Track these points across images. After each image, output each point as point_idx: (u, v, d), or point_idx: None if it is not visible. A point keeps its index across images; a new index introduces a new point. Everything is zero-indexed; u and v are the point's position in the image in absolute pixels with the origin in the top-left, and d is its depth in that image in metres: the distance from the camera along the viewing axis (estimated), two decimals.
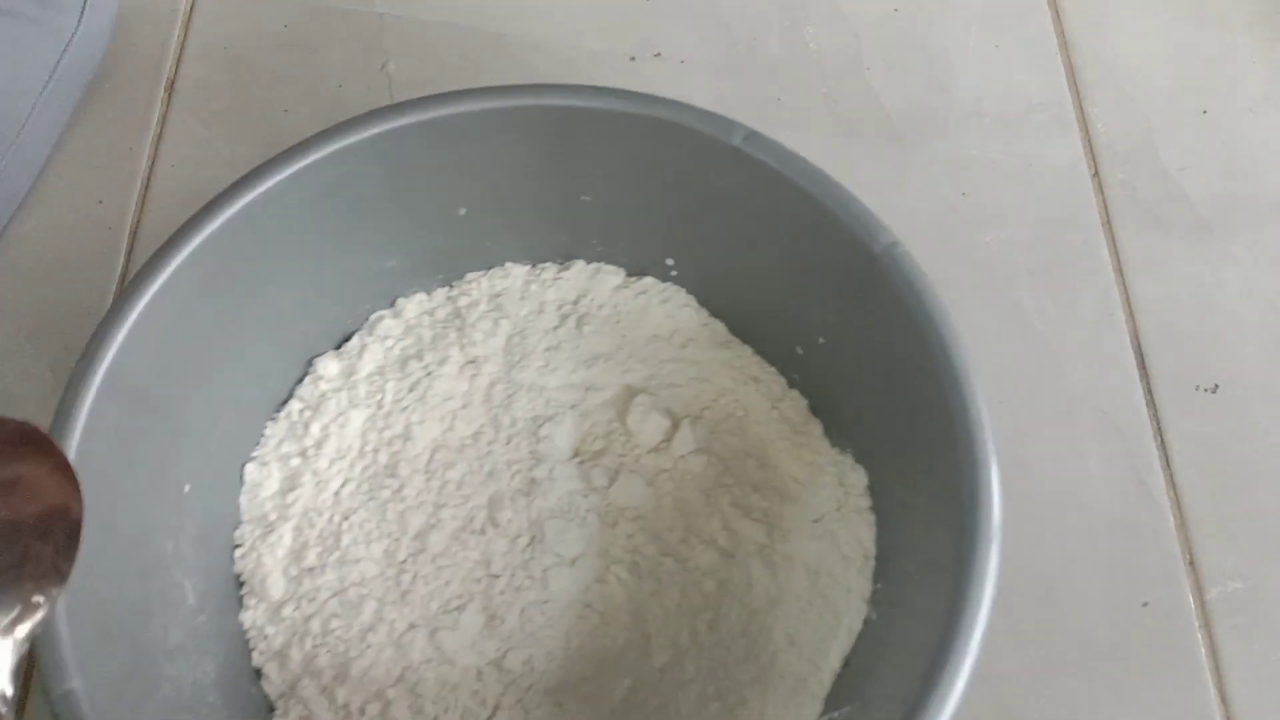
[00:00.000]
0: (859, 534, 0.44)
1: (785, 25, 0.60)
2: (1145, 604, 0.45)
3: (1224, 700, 0.44)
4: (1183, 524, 0.47)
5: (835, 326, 0.44)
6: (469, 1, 0.61)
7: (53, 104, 0.54)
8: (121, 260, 0.54)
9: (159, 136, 0.58)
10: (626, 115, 0.43)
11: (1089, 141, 0.56)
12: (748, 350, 0.49)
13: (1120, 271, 0.53)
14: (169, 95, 0.59)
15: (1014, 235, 0.54)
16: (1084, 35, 0.60)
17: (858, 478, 0.45)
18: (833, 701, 0.42)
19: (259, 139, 0.57)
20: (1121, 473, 0.48)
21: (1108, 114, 0.58)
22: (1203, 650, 0.44)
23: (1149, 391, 0.50)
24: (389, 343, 0.49)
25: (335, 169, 0.42)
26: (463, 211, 0.47)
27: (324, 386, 0.48)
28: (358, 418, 0.47)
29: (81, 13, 0.54)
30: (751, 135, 0.42)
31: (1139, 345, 0.51)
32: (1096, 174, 0.55)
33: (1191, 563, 0.46)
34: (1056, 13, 0.61)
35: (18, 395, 0.51)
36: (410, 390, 0.48)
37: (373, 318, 0.49)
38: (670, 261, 0.49)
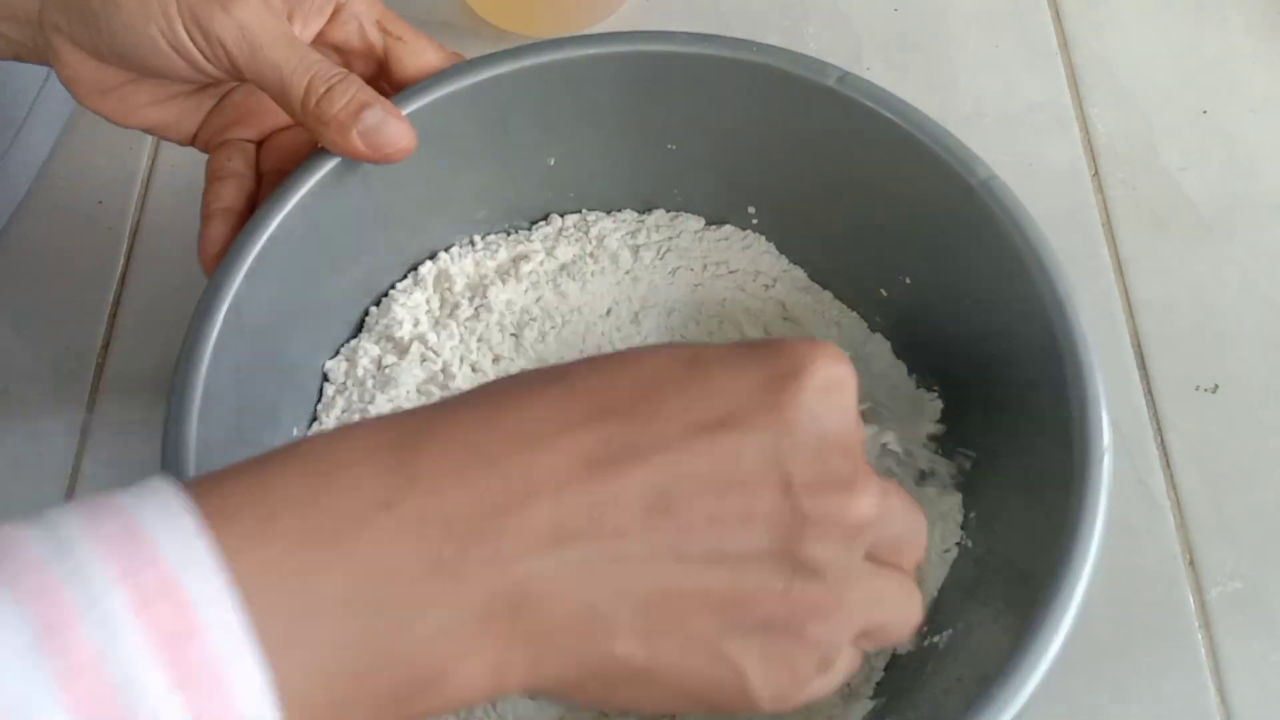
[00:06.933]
0: (949, 467, 0.45)
1: (785, 25, 0.60)
2: (1145, 605, 0.45)
3: (1224, 700, 0.43)
4: (1183, 524, 0.47)
5: (925, 264, 0.45)
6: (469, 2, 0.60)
7: (50, 103, 0.53)
8: (121, 260, 0.53)
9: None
10: (720, 60, 0.44)
11: (1089, 141, 0.56)
12: (828, 295, 0.50)
13: (1120, 271, 0.52)
14: None
15: None
16: (1084, 35, 0.59)
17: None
18: (933, 627, 0.43)
19: None
20: (1121, 472, 0.46)
21: (1108, 114, 0.57)
22: (1203, 650, 0.44)
23: (1149, 391, 0.50)
24: None
25: (435, 118, 0.43)
26: (551, 162, 0.48)
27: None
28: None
29: None
30: (845, 76, 0.43)
31: (1139, 345, 0.51)
32: (1096, 174, 0.55)
33: (1191, 563, 0.46)
34: (1056, 13, 0.60)
35: (18, 395, 0.50)
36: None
37: None
38: (752, 209, 0.50)
